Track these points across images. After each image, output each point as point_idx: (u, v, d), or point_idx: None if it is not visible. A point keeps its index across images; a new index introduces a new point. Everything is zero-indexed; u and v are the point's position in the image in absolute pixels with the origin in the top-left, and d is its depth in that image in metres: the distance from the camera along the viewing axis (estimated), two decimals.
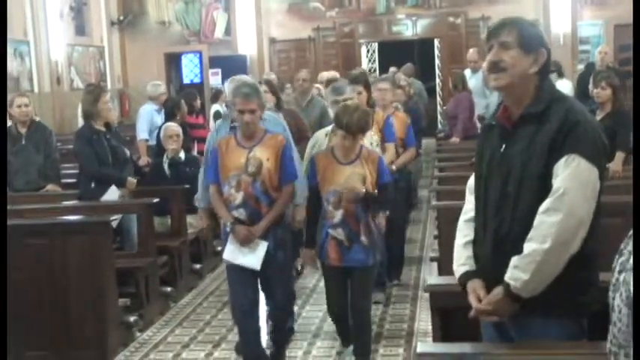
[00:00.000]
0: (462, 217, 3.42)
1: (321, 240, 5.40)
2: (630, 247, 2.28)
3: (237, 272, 5.42)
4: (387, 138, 7.11)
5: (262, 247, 5.32)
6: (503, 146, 3.17)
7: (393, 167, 7.26)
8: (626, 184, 3.18)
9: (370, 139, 6.35)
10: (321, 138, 6.52)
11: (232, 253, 5.38)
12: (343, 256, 5.34)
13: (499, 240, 3.14)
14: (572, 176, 2.95)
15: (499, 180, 3.16)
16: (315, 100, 9.53)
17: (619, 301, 2.24)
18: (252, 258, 5.30)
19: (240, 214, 5.36)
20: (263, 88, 7.28)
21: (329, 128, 6.34)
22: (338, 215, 5.30)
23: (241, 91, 5.41)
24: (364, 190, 5.32)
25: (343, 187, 5.28)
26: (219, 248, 7.46)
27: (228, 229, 5.41)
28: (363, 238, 5.33)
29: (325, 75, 12.06)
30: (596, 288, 3.04)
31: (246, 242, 5.30)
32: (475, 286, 3.19)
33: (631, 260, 2.24)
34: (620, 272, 2.27)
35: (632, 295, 2.21)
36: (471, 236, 3.32)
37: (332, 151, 5.49)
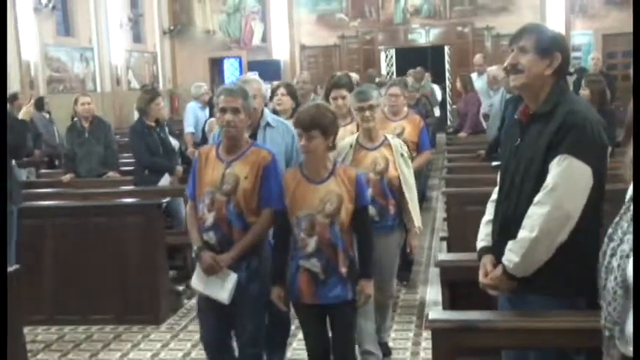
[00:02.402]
0: (491, 198, 3.36)
1: (291, 275, 3.99)
2: (620, 234, 2.26)
3: (206, 302, 4.20)
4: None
5: (231, 279, 4.05)
6: (518, 140, 3.13)
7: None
8: (611, 174, 3.14)
9: (400, 150, 5.02)
10: (345, 148, 5.00)
11: (200, 282, 4.17)
12: (318, 292, 3.92)
13: (505, 222, 3.11)
14: (561, 174, 2.89)
15: (511, 170, 3.13)
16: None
17: (614, 284, 2.21)
18: (221, 290, 4.07)
19: (210, 238, 4.11)
20: (281, 91, 6.30)
21: (354, 137, 5.09)
22: (311, 243, 3.89)
23: (226, 87, 4.26)
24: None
25: (317, 211, 3.89)
26: None
27: (194, 254, 4.22)
28: (343, 270, 3.91)
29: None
30: (592, 272, 2.97)
31: (210, 272, 4.07)
32: (485, 262, 3.17)
33: (622, 246, 2.22)
34: (612, 256, 2.25)
35: (627, 279, 2.19)
36: (491, 215, 3.27)
37: (300, 167, 4.05)
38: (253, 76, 5.64)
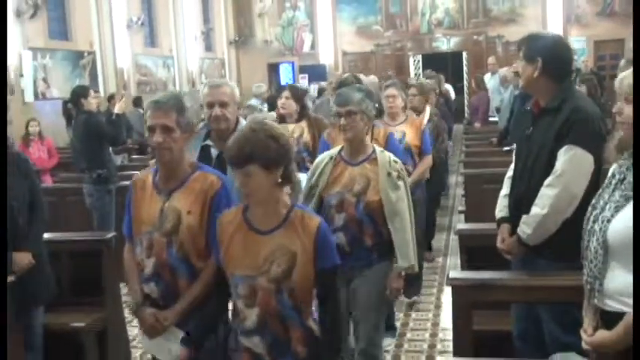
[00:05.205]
0: (507, 175, 3.31)
1: (230, 350, 2.47)
2: (602, 203, 2.25)
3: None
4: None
5: (178, 338, 2.61)
6: (530, 129, 3.10)
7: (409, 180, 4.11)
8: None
9: (388, 168, 3.37)
10: (323, 161, 3.48)
11: (145, 340, 2.79)
12: None
13: (518, 199, 3.09)
14: (568, 162, 2.86)
15: (524, 154, 3.10)
16: (324, 100, 6.37)
17: (595, 244, 2.20)
18: (168, 351, 2.66)
19: (152, 290, 2.71)
20: (285, 94, 4.92)
21: (337, 149, 3.51)
22: (252, 316, 2.36)
23: (155, 99, 2.70)
24: None
25: (259, 273, 2.34)
26: None
27: (130, 311, 2.86)
28: (299, 349, 2.38)
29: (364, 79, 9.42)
30: None
31: (152, 334, 2.68)
32: (502, 230, 3.15)
33: (604, 213, 2.21)
34: (594, 222, 2.24)
35: (607, 239, 2.17)
36: (508, 189, 3.23)
37: (244, 212, 2.43)
38: (224, 79, 3.89)
